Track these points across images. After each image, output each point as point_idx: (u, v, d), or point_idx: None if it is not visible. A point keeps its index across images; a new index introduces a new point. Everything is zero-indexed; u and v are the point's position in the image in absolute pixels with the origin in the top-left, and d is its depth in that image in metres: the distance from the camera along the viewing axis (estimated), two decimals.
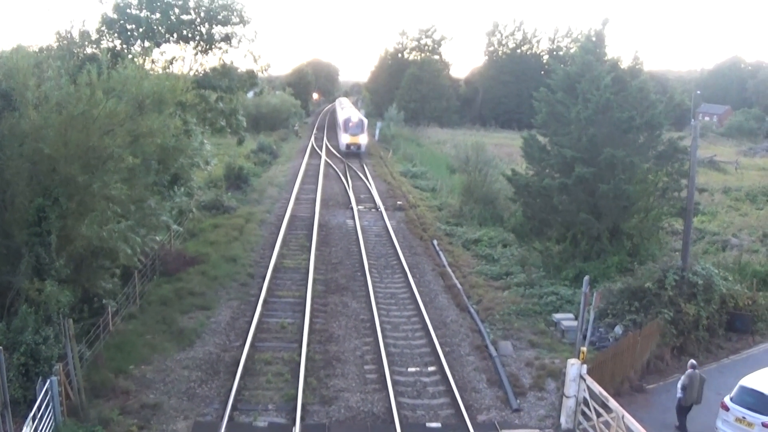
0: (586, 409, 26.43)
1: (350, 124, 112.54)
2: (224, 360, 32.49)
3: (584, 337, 29.04)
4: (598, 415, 25.51)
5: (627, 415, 23.50)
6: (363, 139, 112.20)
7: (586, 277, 28.92)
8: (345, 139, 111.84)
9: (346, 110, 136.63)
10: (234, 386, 29.08)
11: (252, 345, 33.78)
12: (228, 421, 26.54)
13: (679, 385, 27.52)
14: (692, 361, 28.41)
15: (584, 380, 26.49)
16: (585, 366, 26.78)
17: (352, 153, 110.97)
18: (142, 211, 36.16)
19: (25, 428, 21.17)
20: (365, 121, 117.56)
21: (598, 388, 25.67)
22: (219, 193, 66.65)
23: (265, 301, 39.95)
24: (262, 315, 37.93)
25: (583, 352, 27.37)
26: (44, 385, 23.42)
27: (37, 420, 22.22)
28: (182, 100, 39.13)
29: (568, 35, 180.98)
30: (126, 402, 27.56)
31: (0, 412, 19.70)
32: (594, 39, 48.36)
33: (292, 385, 29.80)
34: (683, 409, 27.60)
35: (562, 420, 27.51)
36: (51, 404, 23.61)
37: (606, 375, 28.56)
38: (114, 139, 30.50)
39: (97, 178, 30.15)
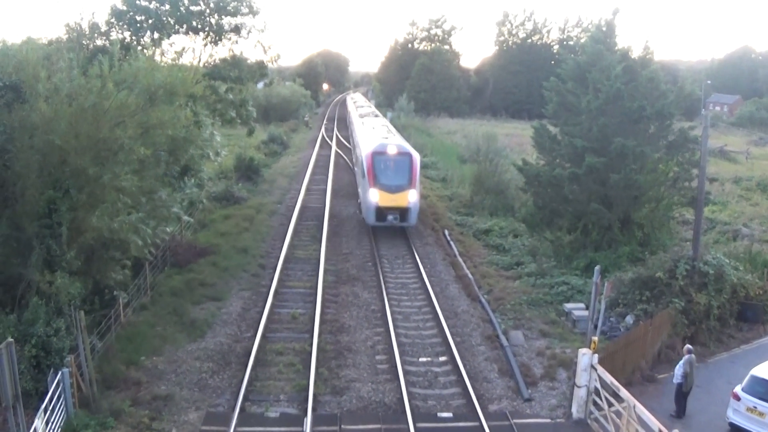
0: (597, 399, 26.40)
1: (385, 163, 54.50)
2: (236, 351, 32.51)
3: (595, 327, 29.02)
4: (610, 404, 25.49)
5: (638, 405, 23.45)
6: (412, 198, 53.18)
7: (597, 267, 28.87)
8: (374, 197, 52.99)
9: (370, 124, 76.01)
10: (245, 377, 29.14)
11: (263, 335, 33.86)
12: (240, 412, 26.58)
13: (679, 372, 27.49)
14: (688, 345, 28.44)
15: (595, 370, 26.45)
16: (596, 356, 26.74)
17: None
18: (153, 202, 36.19)
19: (36, 420, 21.20)
20: (415, 156, 55.79)
21: (609, 378, 25.63)
22: (229, 184, 66.65)
23: (276, 292, 40.01)
24: (273, 305, 37.99)
25: (594, 342, 27.35)
26: (56, 376, 23.47)
27: (48, 412, 22.27)
28: (193, 92, 39.13)
29: (579, 25, 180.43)
30: (137, 393, 27.61)
31: (11, 404, 19.71)
32: (604, 29, 48.28)
33: (304, 376, 29.86)
34: (683, 395, 27.60)
35: (574, 409, 27.50)
36: (62, 396, 23.67)
37: (617, 365, 28.52)
38: (125, 130, 30.51)
39: (108, 169, 30.15)
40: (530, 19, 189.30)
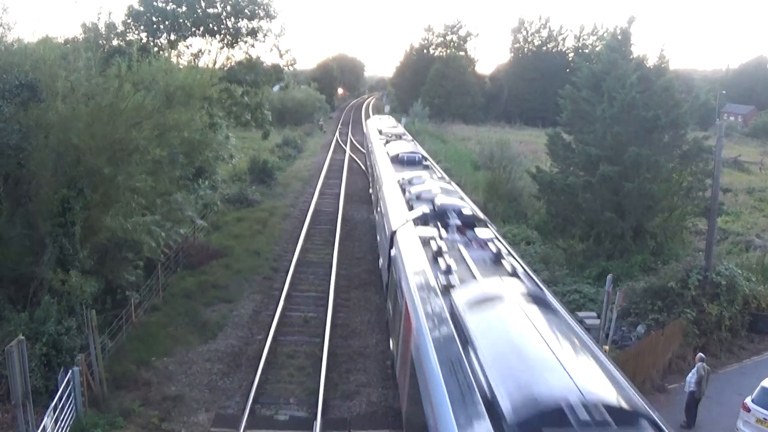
0: None
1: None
2: (246, 353, 32.53)
3: (607, 336, 28.96)
4: None
5: None
6: None
7: (609, 276, 28.85)
8: None
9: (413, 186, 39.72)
10: (256, 379, 29.13)
11: (274, 338, 33.81)
12: (249, 414, 26.53)
13: (692, 380, 27.40)
14: (701, 354, 28.36)
15: None
16: None
17: None
18: (168, 204, 36.34)
19: (45, 418, 21.28)
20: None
21: None
22: (243, 186, 66.76)
23: (288, 295, 39.96)
24: (285, 309, 37.94)
25: (605, 351, 27.30)
26: (66, 375, 23.53)
27: (58, 410, 22.34)
28: (209, 95, 39.25)
29: (594, 33, 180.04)
30: (147, 393, 27.64)
31: (21, 401, 19.79)
32: (620, 37, 48.22)
33: (314, 379, 29.81)
34: (695, 404, 27.53)
35: None
36: (72, 395, 23.71)
37: (628, 374, 28.30)
38: (141, 131, 30.69)
39: (123, 170, 30.34)
40: (546, 27, 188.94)
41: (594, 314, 36.97)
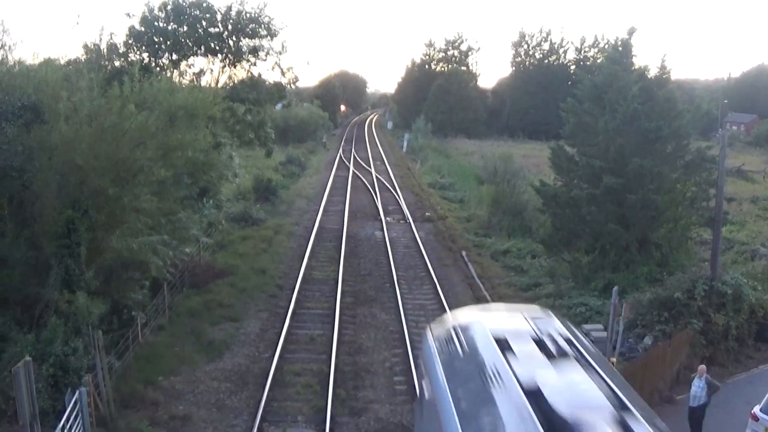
0: None
1: None
2: (253, 371, 32.47)
3: (614, 348, 28.92)
4: None
5: None
6: None
7: (615, 288, 28.83)
8: None
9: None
10: (263, 397, 29.09)
11: (281, 356, 33.73)
12: None
13: (701, 393, 27.22)
14: (703, 366, 28.20)
15: None
16: None
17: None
18: (173, 224, 36.38)
19: None
20: None
21: None
22: (248, 205, 66.77)
23: (294, 313, 39.90)
24: (291, 326, 37.88)
25: (612, 363, 27.23)
26: (73, 396, 23.53)
27: (66, 431, 22.34)
28: (213, 114, 39.33)
29: (595, 45, 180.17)
30: (155, 413, 27.64)
31: (29, 422, 19.80)
32: (620, 48, 48.22)
33: (321, 397, 29.73)
34: (702, 416, 27.38)
35: None
36: (80, 415, 23.68)
37: (636, 386, 28.24)
38: (144, 152, 30.77)
39: (128, 190, 30.43)
40: (547, 40, 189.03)
41: (600, 326, 36.85)
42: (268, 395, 29.44)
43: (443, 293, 43.94)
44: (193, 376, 31.59)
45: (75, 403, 23.43)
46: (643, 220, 43.09)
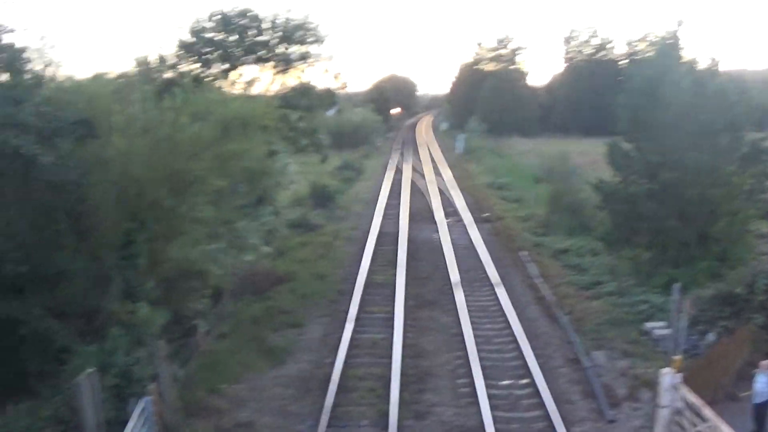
0: (680, 419, 25.81)
1: None
2: (317, 377, 32.41)
3: (677, 346, 28.48)
4: (693, 424, 24.89)
5: (723, 425, 22.88)
6: None
7: (676, 285, 28.34)
8: None
9: None
10: (327, 403, 29.01)
11: (344, 361, 33.65)
12: None
13: (766, 388, 26.57)
14: (765, 361, 27.50)
15: (678, 389, 25.88)
16: (679, 375, 26.15)
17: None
18: (232, 232, 36.48)
19: None
20: None
21: (692, 398, 25.07)
22: (305, 211, 67.12)
23: (355, 317, 39.84)
24: (353, 331, 37.78)
25: (676, 361, 26.77)
26: (138, 405, 23.57)
27: None
28: (266, 123, 39.39)
29: (645, 39, 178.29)
30: (220, 420, 27.67)
31: None
32: (670, 41, 47.63)
33: (385, 401, 29.52)
34: (766, 412, 26.77)
35: (657, 431, 26.91)
36: (145, 424, 23.75)
37: (700, 383, 27.78)
38: (200, 162, 30.79)
39: (185, 201, 30.47)
40: (596, 35, 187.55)
41: (663, 324, 36.39)
42: (332, 400, 29.34)
43: (503, 294, 43.56)
44: (257, 383, 31.64)
45: (140, 412, 23.48)
46: (701, 215, 42.42)
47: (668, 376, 26.00)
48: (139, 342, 27.03)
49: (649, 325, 37.06)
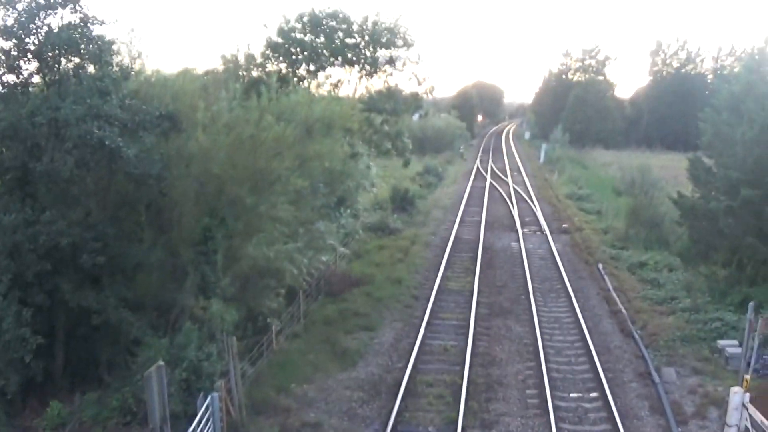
0: None
1: None
2: (386, 381, 32.36)
3: (748, 365, 28.05)
4: None
5: None
6: None
7: (751, 303, 27.92)
8: None
9: None
10: (395, 407, 28.92)
11: (414, 366, 33.56)
12: None
13: None
14: None
15: (746, 409, 25.43)
16: (748, 394, 25.71)
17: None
18: (310, 233, 36.65)
19: None
20: None
21: (760, 417, 24.55)
22: (385, 214, 67.10)
23: (428, 323, 39.70)
24: (425, 337, 37.71)
25: (746, 380, 26.33)
26: (205, 400, 23.76)
27: None
28: (350, 126, 39.49)
29: (732, 53, 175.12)
30: (286, 420, 27.74)
31: (159, 426, 20.03)
32: (757, 57, 46.84)
33: (453, 408, 29.36)
34: None
35: None
36: (211, 419, 23.92)
37: None
38: (282, 162, 30.98)
39: (265, 199, 30.69)
40: (684, 49, 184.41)
41: (736, 342, 35.74)
42: (400, 405, 29.24)
43: (578, 306, 43.10)
44: (326, 384, 31.68)
45: (207, 407, 23.65)
46: None
47: (737, 395, 25.60)
48: (211, 337, 27.33)
49: (721, 343, 36.47)
